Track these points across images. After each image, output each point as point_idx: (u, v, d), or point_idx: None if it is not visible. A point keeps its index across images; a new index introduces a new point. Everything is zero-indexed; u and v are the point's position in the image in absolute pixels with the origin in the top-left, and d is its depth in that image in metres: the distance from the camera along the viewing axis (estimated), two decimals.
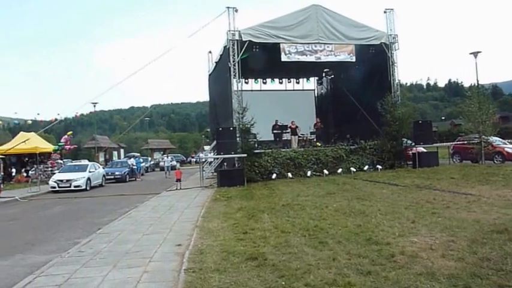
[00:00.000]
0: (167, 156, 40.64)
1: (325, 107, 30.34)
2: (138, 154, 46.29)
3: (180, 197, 16.12)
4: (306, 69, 27.85)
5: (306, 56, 21.74)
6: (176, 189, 19.08)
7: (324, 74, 30.63)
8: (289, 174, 19.68)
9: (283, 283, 5.01)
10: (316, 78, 31.97)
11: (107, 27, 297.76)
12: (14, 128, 73.80)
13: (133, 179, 29.79)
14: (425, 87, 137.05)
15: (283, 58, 21.40)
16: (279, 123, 23.83)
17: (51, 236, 10.07)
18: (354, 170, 20.44)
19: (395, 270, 5.27)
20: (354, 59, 22.42)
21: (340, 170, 20.22)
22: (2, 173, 23.74)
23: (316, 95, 32.17)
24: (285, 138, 23.53)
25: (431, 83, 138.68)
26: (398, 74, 23.25)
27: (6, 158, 26.86)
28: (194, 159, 55.14)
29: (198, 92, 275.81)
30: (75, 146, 30.25)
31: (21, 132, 31.32)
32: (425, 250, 6.10)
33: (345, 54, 22.28)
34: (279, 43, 21.19)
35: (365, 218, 8.81)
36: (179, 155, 61.02)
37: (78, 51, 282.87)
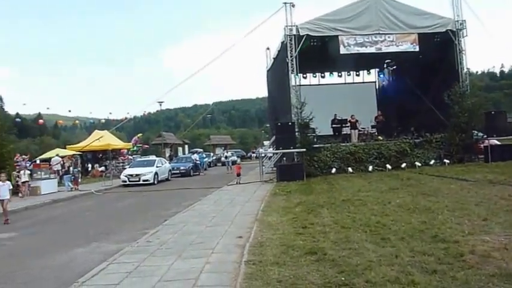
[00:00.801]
0: (228, 152, 41.49)
1: (387, 99, 29.31)
2: (201, 150, 47.64)
3: (240, 191, 16.45)
4: (366, 61, 27.07)
5: (366, 47, 21.17)
6: (236, 183, 19.45)
7: (385, 65, 29.63)
8: (350, 169, 19.35)
9: (343, 278, 4.97)
10: (377, 69, 30.99)
11: (172, 30, 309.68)
12: (89, 126, 78.95)
13: (197, 173, 30.77)
14: (498, 75, 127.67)
15: (342, 51, 21.01)
16: (338, 118, 23.46)
17: (122, 227, 10.76)
18: (419, 164, 19.63)
19: (464, 270, 4.97)
20: (417, 49, 21.45)
21: (404, 165, 19.53)
22: (79, 168, 25.59)
23: (377, 87, 31.18)
24: (345, 132, 23.13)
25: (506, 70, 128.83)
26: (466, 62, 21.89)
27: (83, 154, 28.84)
28: (254, 154, 55.68)
29: (257, 88, 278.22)
30: (147, 146, 31.78)
31: (96, 131, 33.56)
32: (498, 250, 5.69)
33: (408, 44, 21.40)
34: (337, 36, 20.83)
35: (431, 215, 8.45)
36: (240, 150, 61.96)
37: (146, 54, 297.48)
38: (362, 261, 5.57)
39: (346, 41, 20.91)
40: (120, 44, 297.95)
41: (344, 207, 10.24)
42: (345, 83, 30.57)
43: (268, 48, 28.90)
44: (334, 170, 19.26)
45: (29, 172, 20.15)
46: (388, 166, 19.32)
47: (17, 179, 20.38)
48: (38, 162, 22.71)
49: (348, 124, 23.03)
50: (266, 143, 35.36)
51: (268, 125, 43.64)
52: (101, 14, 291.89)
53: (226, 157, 36.08)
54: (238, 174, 20.37)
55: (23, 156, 22.43)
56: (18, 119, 67.87)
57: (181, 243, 7.71)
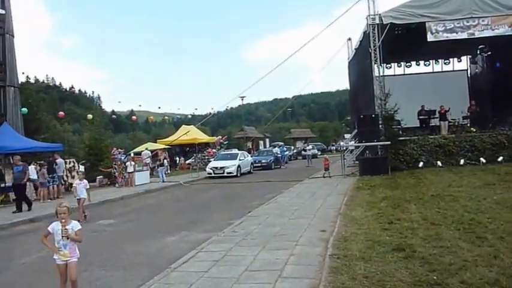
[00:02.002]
0: (308, 145, 41.27)
1: (480, 88, 27.01)
2: (282, 143, 47.99)
3: (322, 185, 16.32)
4: (457, 48, 25.17)
5: (457, 33, 19.66)
6: (323, 177, 19.10)
7: (478, 52, 27.29)
8: (439, 163, 18.24)
9: (435, 278, 4.74)
10: (469, 56, 28.68)
11: (254, 26, 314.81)
12: (176, 121, 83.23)
13: (278, 166, 31.07)
14: None
15: (430, 38, 19.74)
16: (425, 109, 22.19)
17: (209, 217, 11.25)
18: None
19: None
20: None
21: (500, 158, 17.94)
22: (168, 160, 27.19)
23: (469, 75, 28.91)
24: (433, 124, 21.81)
25: None
26: None
27: (172, 148, 30.56)
28: (334, 148, 54.89)
29: (338, 81, 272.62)
30: (226, 136, 32.86)
31: (183, 126, 35.33)
32: None
33: (505, 27, 19.48)
34: (424, 22, 19.63)
35: None
36: (320, 143, 61.33)
37: (228, 50, 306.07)
38: (456, 261, 5.26)
39: (434, 27, 19.63)
40: (204, 42, 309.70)
41: (433, 202, 9.73)
42: (433, 72, 28.80)
43: (349, 39, 28.19)
44: (421, 164, 18.31)
45: (133, 163, 21.73)
46: (482, 160, 17.89)
47: (114, 170, 22.17)
48: (131, 155, 24.44)
49: (437, 115, 21.70)
50: (347, 136, 34.61)
51: (349, 118, 42.61)
52: (186, 12, 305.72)
53: (306, 150, 35.96)
54: (327, 168, 19.83)
55: (119, 150, 24.27)
56: (114, 116, 73.56)
57: (265, 235, 7.87)
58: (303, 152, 41.76)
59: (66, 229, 4.75)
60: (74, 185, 12.10)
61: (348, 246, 6.41)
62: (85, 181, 11.95)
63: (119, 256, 7.54)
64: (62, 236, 4.76)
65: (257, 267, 5.82)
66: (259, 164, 29.37)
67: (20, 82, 26.91)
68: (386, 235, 6.93)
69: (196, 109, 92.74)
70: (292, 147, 49.28)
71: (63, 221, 4.76)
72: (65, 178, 19.46)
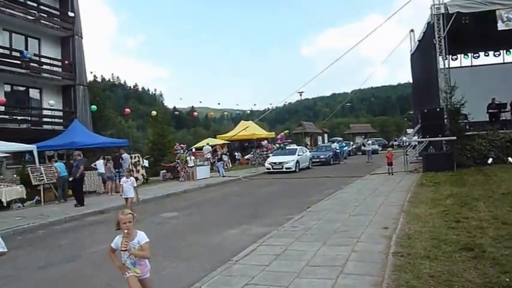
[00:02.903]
0: (368, 140, 40.27)
1: None
2: (341, 138, 47.24)
3: (384, 181, 15.89)
4: None
5: None
6: (389, 173, 18.25)
7: None
8: (510, 159, 17.07)
9: (507, 280, 4.50)
10: None
11: (312, 20, 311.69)
12: (235, 117, 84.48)
13: (337, 162, 30.64)
14: None
15: (501, 27, 18.41)
16: (496, 102, 20.80)
17: (268, 211, 11.36)
18: None
19: None
20: None
21: None
22: (228, 155, 27.75)
23: None
24: (504, 118, 20.41)
25: None
26: None
27: (231, 143, 31.13)
28: (396, 143, 53.24)
29: (399, 74, 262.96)
30: (290, 140, 32.95)
31: (242, 121, 35.82)
32: None
33: None
34: (494, 10, 18.38)
35: None
36: (380, 138, 59.59)
37: (288, 46, 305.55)
38: None
39: (506, 15, 18.29)
40: (263, 38, 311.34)
41: (505, 201, 9.16)
42: (504, 63, 26.92)
43: (412, 31, 27.08)
44: (490, 160, 17.25)
45: (194, 158, 22.46)
46: None
47: (177, 164, 22.97)
48: (193, 150, 25.19)
49: (508, 108, 20.32)
50: (410, 131, 33.39)
51: (411, 112, 41.04)
52: (245, 7, 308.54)
53: (366, 146, 35.13)
54: (390, 164, 18.92)
55: (181, 145, 25.14)
56: (176, 112, 76.04)
57: (326, 230, 7.83)
58: (362, 148, 40.85)
59: (127, 242, 3.90)
60: (120, 182, 11.27)
61: (412, 244, 6.22)
62: (132, 178, 11.21)
63: (183, 247, 7.84)
64: (121, 250, 3.95)
65: (318, 263, 5.82)
66: (318, 160, 29.12)
67: (88, 81, 28.65)
68: (453, 234, 6.65)
69: (254, 104, 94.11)
70: (351, 143, 48.35)
71: (126, 231, 3.90)
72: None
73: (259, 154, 31.29)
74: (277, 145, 33.56)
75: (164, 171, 23.96)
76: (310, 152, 30.12)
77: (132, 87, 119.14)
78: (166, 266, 6.63)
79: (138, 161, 21.73)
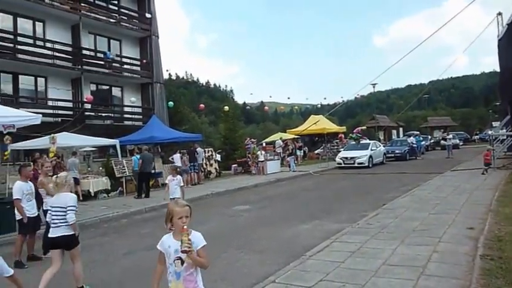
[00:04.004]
0: (448, 134, 37.89)
1: None
2: (418, 132, 44.97)
3: (467, 178, 14.86)
4: None
5: None
6: (482, 173, 15.97)
7: None
8: None
9: None
10: None
11: (385, 9, 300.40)
12: (304, 112, 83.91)
13: (414, 157, 29.18)
14: None
15: None
16: None
17: (341, 207, 11.09)
18: None
19: None
20: None
21: None
22: (301, 150, 27.62)
23: None
24: None
25: None
26: None
27: (301, 138, 30.93)
28: (478, 137, 49.84)
29: (483, 62, 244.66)
30: (364, 137, 32.08)
31: (312, 115, 35.44)
32: None
33: None
34: None
35: None
36: (462, 132, 55.86)
37: (359, 38, 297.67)
38: None
39: None
40: (333, 29, 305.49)
41: None
42: None
43: (499, 14, 24.98)
44: None
45: (264, 153, 22.68)
46: None
47: (248, 159, 23.29)
48: (264, 145, 25.37)
49: None
50: (496, 124, 30.92)
51: (498, 104, 37.95)
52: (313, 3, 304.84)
53: (446, 140, 33.09)
54: (488, 163, 16.39)
55: (252, 140, 25.43)
56: (248, 107, 77.19)
57: (403, 229, 7.46)
58: (442, 142, 38.52)
59: (189, 240, 2.86)
60: (166, 181, 10.02)
61: (502, 247, 5.72)
62: (178, 177, 9.82)
63: (255, 240, 7.88)
64: (182, 251, 2.87)
65: (396, 262, 5.56)
66: (393, 155, 27.96)
67: (164, 79, 29.94)
68: None
69: (325, 98, 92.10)
70: (429, 137, 45.85)
71: (184, 227, 2.88)
72: (204, 166, 21.05)
73: (330, 149, 30.76)
74: (351, 135, 32.62)
75: (235, 165, 24.39)
76: (384, 146, 29.02)
77: (204, 83, 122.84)
78: (240, 258, 6.70)
79: (211, 155, 22.31)
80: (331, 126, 34.81)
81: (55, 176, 5.99)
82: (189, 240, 2.87)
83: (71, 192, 5.65)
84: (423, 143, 36.12)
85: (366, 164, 23.29)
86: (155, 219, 10.73)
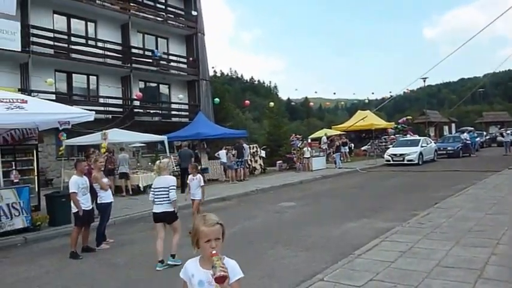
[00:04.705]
0: (507, 130, 35.87)
1: None
2: (472, 128, 42.98)
3: None
4: None
5: None
6: None
7: None
8: None
9: None
10: None
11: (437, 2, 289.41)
12: (350, 107, 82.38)
13: (467, 154, 27.81)
14: None
15: None
16: None
17: (389, 205, 10.76)
18: None
19: None
20: None
21: None
22: (348, 146, 27.14)
23: None
24: None
25: None
26: None
27: (347, 134, 30.35)
28: None
29: None
30: (410, 128, 30.98)
31: (359, 111, 34.70)
32: None
33: None
34: None
35: None
36: None
37: (408, 30, 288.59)
38: None
39: None
40: (380, 21, 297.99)
41: None
42: None
43: None
44: None
45: (310, 149, 22.48)
46: None
47: (293, 155, 23.15)
48: (309, 141, 25.10)
49: None
50: None
51: None
52: None
53: (504, 136, 31.34)
54: None
55: (297, 136, 25.24)
56: (293, 103, 76.76)
57: (458, 229, 7.11)
58: (499, 139, 36.56)
59: (223, 266, 2.16)
60: (187, 181, 9.20)
61: None
62: (198, 176, 8.85)
63: (302, 237, 7.79)
64: (216, 277, 2.09)
65: (451, 264, 5.30)
66: (444, 152, 26.80)
67: (209, 76, 30.35)
68: None
69: (372, 93, 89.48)
70: (484, 133, 43.64)
71: (213, 252, 2.22)
72: (249, 162, 21.13)
73: (378, 145, 29.99)
74: (396, 126, 31.63)
75: (280, 161, 24.33)
76: (435, 143, 27.91)
77: (248, 80, 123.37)
78: (286, 255, 6.64)
79: (256, 151, 22.37)
80: (379, 122, 33.95)
81: (158, 161, 7.45)
82: (223, 266, 2.16)
83: (170, 175, 6.75)
84: (478, 139, 34.41)
85: (416, 161, 22.49)
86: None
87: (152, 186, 6.75)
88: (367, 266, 5.43)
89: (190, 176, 8.86)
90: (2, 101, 8.80)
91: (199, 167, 9.51)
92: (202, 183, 8.72)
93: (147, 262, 6.75)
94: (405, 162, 22.47)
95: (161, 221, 6.52)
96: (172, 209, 6.48)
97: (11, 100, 9.00)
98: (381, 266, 5.40)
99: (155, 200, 6.49)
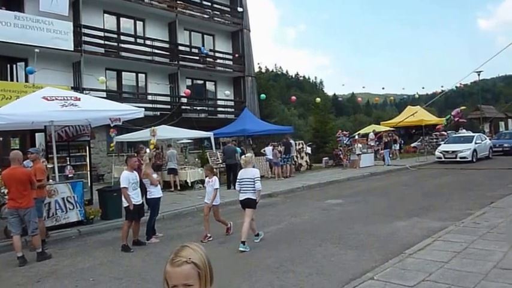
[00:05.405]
0: None
1: None
2: None
3: None
4: None
5: None
6: None
7: None
8: None
9: None
10: None
11: None
12: (398, 103, 79.92)
13: None
14: None
15: None
16: None
17: (442, 204, 10.35)
18: None
19: None
20: None
21: None
22: (398, 143, 26.36)
23: None
24: None
25: None
26: None
27: (396, 130, 29.46)
28: None
29: None
30: (464, 120, 29.45)
31: (409, 106, 33.58)
32: None
33: None
34: None
35: None
36: None
37: (461, 21, 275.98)
38: None
39: None
40: (432, 12, 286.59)
41: None
42: None
43: None
44: None
45: (360, 146, 22.05)
46: None
47: (339, 152, 22.80)
48: (356, 137, 24.62)
49: None
50: None
51: None
52: None
53: None
54: None
55: (344, 132, 24.84)
56: (340, 99, 75.52)
57: None
58: None
59: None
60: (205, 184, 8.61)
61: None
62: (214, 178, 8.21)
63: (350, 235, 7.65)
64: None
65: (509, 266, 5.04)
66: (501, 149, 25.39)
67: (255, 72, 30.45)
68: None
69: (423, 88, 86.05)
70: None
71: None
72: (295, 159, 21.01)
73: (428, 142, 28.91)
74: (447, 118, 30.16)
75: (326, 158, 24.02)
76: (490, 139, 26.52)
77: (293, 76, 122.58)
78: (335, 253, 6.55)
79: (302, 147, 22.22)
80: (430, 118, 32.71)
81: (243, 155, 8.35)
82: None
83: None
84: None
85: (470, 159, 21.47)
86: None
87: (238, 178, 7.50)
88: (420, 266, 5.26)
89: (206, 179, 8.40)
90: (57, 99, 9.24)
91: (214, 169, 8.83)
92: (216, 186, 8.11)
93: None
94: (458, 159, 21.52)
95: (245, 207, 7.32)
96: (255, 198, 7.27)
97: (65, 98, 9.44)
98: (434, 266, 5.21)
99: (241, 189, 7.33)
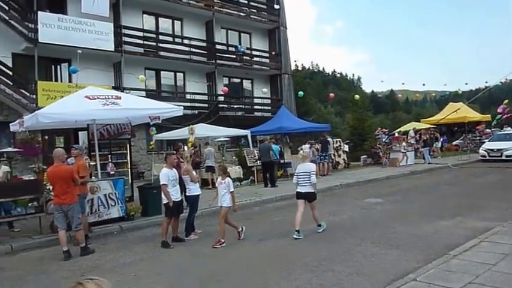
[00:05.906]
0: None
1: None
2: None
3: None
4: None
5: None
6: None
7: None
8: None
9: None
10: None
11: None
12: (439, 99, 77.27)
13: None
14: None
15: None
16: None
17: (486, 204, 9.94)
18: None
19: None
20: None
21: None
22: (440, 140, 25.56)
23: None
24: None
25: None
26: None
27: (437, 127, 28.56)
28: None
29: None
30: (510, 115, 28.03)
31: (451, 103, 32.44)
32: None
33: None
34: None
35: None
36: None
37: (507, 12, 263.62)
38: None
39: None
40: (474, 8, 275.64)
41: None
42: None
43: None
44: None
45: (404, 144, 21.53)
46: None
47: (379, 150, 22.34)
48: (396, 135, 24.04)
49: None
50: None
51: None
52: None
53: None
54: None
55: (383, 130, 24.31)
56: (379, 96, 73.92)
57: None
58: None
59: None
60: (216, 184, 8.33)
61: None
62: (227, 180, 7.76)
63: (391, 235, 7.48)
64: None
65: None
66: None
67: (291, 69, 30.29)
68: None
69: (466, 84, 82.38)
70: None
71: None
72: (333, 157, 20.77)
73: (471, 139, 27.83)
74: (497, 118, 28.74)
75: (365, 156, 23.60)
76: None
77: (330, 73, 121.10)
78: (376, 253, 6.42)
79: (340, 145, 21.93)
80: (473, 115, 31.48)
81: (301, 151, 9.42)
82: None
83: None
84: None
85: None
86: (287, 208, 10.88)
87: (296, 172, 8.19)
88: (465, 268, 5.08)
89: (218, 179, 7.99)
90: (98, 98, 9.52)
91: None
92: (231, 189, 7.67)
93: (231, 254, 6.94)
94: (503, 158, 20.60)
95: (302, 198, 7.91)
96: (313, 190, 7.88)
97: (107, 97, 9.71)
98: (481, 268, 5.02)
99: (299, 182, 7.92)
